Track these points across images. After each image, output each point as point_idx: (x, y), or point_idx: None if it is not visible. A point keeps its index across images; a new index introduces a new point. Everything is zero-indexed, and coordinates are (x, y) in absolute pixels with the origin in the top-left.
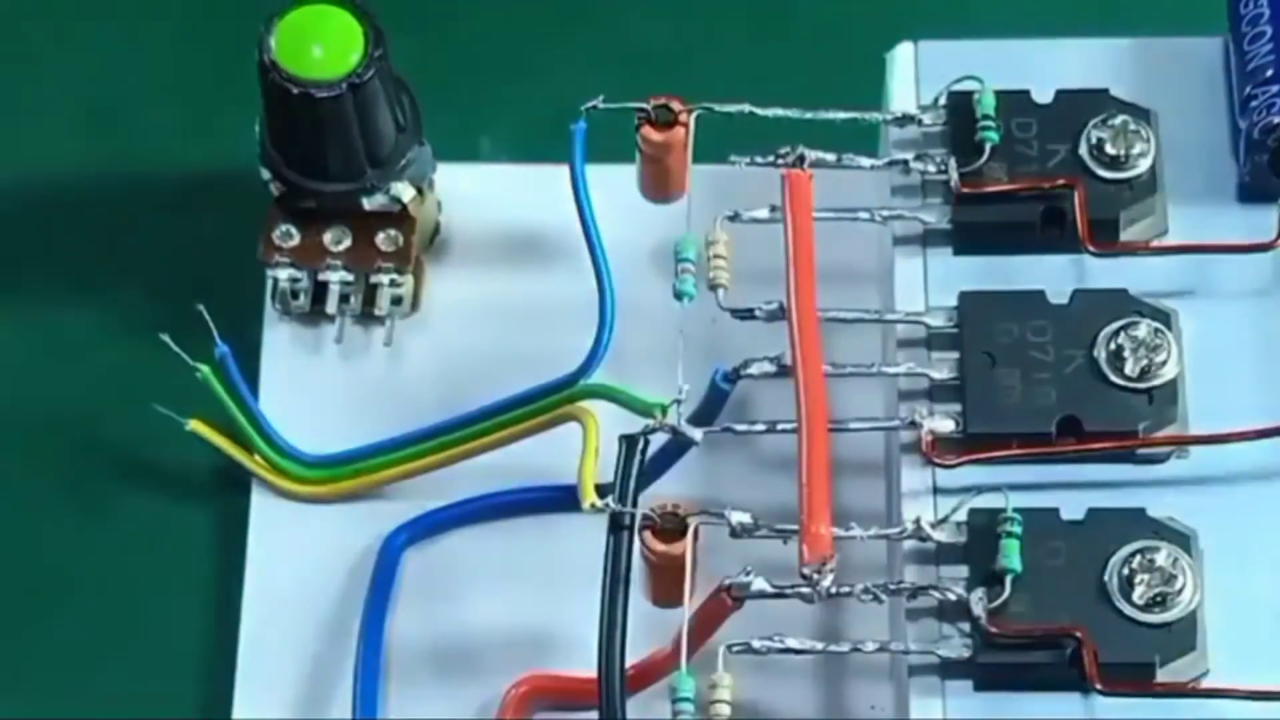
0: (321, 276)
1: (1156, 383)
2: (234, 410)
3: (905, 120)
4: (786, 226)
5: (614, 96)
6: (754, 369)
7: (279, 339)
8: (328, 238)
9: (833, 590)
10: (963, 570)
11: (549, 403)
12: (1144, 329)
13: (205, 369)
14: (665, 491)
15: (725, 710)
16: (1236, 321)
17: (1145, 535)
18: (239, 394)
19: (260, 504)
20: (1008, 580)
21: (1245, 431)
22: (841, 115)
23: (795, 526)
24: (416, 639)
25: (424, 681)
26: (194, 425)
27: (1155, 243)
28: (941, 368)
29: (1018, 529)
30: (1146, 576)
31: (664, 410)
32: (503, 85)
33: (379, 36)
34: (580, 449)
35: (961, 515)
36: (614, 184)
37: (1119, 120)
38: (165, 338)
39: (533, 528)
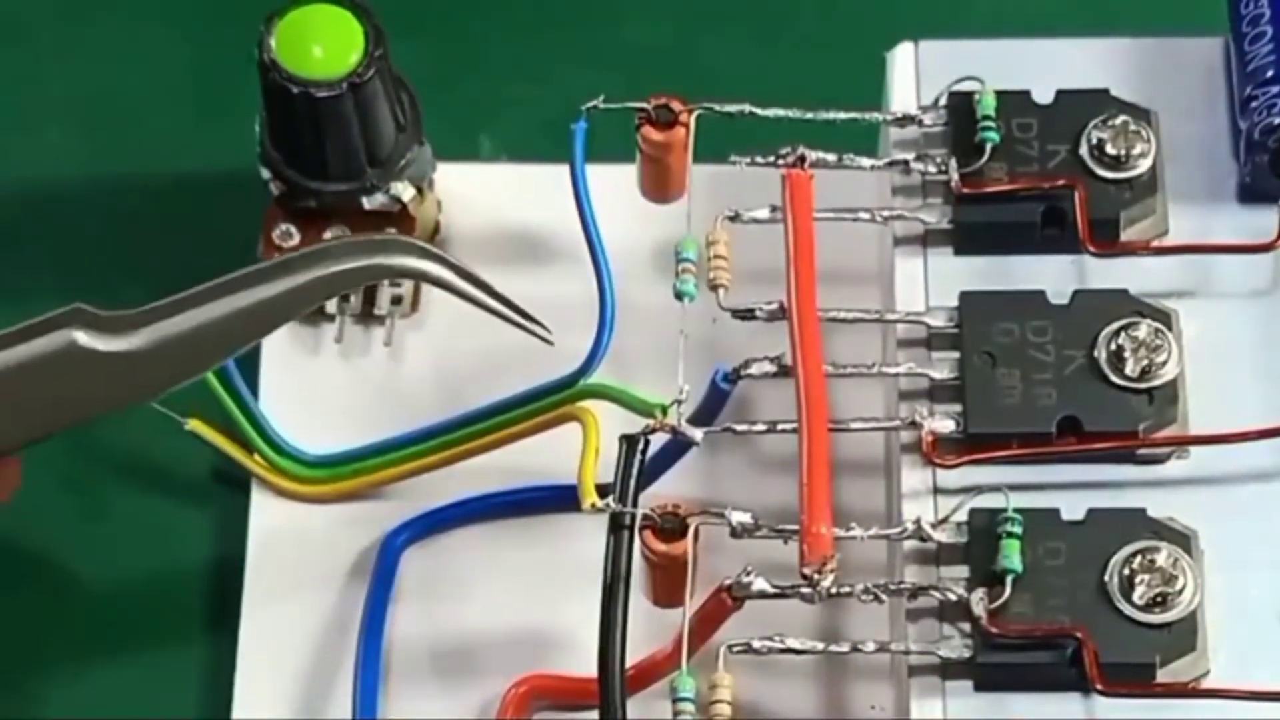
0: None
1: (1157, 383)
2: (234, 410)
3: (905, 120)
4: (786, 226)
5: (614, 96)
6: (754, 369)
7: (279, 339)
8: (328, 237)
9: (833, 590)
10: (963, 570)
11: (549, 403)
12: (1144, 329)
13: None
14: (665, 491)
15: (725, 710)
16: (1236, 321)
17: (1145, 535)
18: (239, 394)
19: (260, 504)
20: (1008, 580)
21: (1245, 431)
22: (841, 115)
23: (795, 526)
24: (416, 639)
25: (424, 681)
26: (194, 425)
27: (1155, 243)
28: (942, 368)
29: (1018, 529)
30: (1147, 577)
31: (664, 410)
32: (503, 85)
33: (379, 36)
34: (580, 449)
35: (962, 515)
36: (614, 184)
37: (1119, 120)
38: None
39: (533, 528)
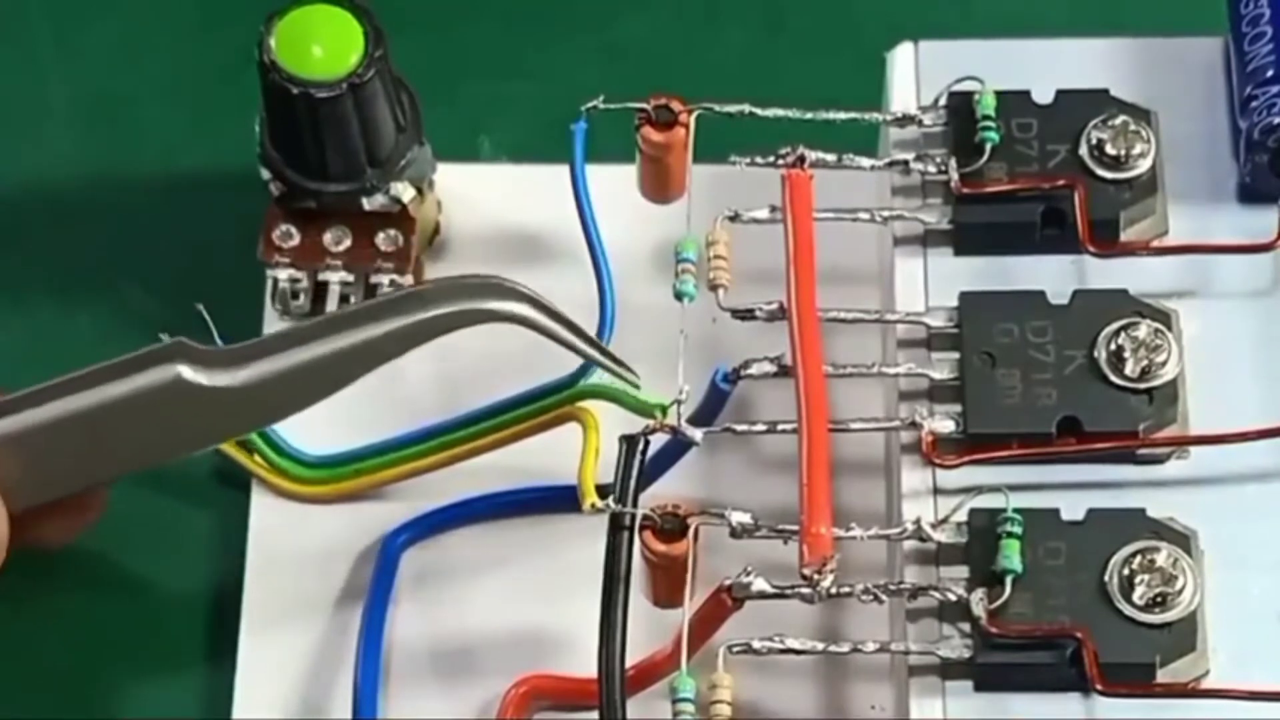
0: (321, 276)
1: (1156, 383)
2: None
3: (905, 120)
4: (786, 226)
5: (614, 96)
6: (754, 369)
7: None
8: (328, 238)
9: (833, 590)
10: (963, 570)
11: (549, 403)
12: (1144, 329)
13: None
14: (665, 491)
15: (725, 710)
16: (1236, 321)
17: (1145, 535)
18: None
19: (260, 504)
20: (1008, 581)
21: (1245, 432)
22: (841, 115)
23: (795, 527)
24: (416, 639)
25: (424, 681)
26: None
27: (1155, 243)
28: (941, 368)
29: (1018, 529)
30: (1147, 577)
31: (664, 410)
32: (503, 85)
33: (379, 36)
34: (580, 449)
35: (962, 515)
36: (614, 184)
37: (1119, 120)
38: (165, 337)
39: (533, 528)
